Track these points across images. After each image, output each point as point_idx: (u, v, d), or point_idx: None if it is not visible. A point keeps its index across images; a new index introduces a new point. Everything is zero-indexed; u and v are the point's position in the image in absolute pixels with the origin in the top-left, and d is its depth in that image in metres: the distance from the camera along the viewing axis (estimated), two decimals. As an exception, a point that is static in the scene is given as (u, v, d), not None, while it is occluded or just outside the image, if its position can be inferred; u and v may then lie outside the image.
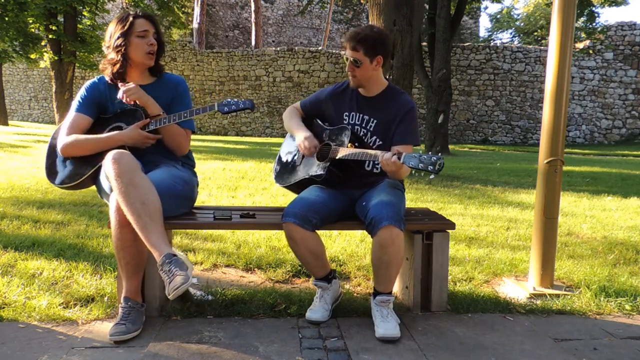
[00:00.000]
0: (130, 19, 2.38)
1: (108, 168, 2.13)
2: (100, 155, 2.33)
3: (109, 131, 2.41)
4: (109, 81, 2.46)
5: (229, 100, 2.41)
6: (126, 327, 2.08)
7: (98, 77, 2.52)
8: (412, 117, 2.48)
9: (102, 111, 2.48)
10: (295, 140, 2.55)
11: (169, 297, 1.93)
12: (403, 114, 2.46)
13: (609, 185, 7.20)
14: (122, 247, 2.14)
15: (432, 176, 2.06)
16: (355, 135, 2.50)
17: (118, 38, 2.36)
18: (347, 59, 2.43)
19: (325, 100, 2.63)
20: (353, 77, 2.47)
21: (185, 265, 1.99)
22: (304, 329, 2.25)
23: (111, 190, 2.18)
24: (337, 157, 2.40)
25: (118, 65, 2.39)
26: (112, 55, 2.40)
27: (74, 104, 2.46)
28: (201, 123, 19.97)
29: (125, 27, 2.36)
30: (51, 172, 2.48)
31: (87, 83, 2.49)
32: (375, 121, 2.50)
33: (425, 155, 2.04)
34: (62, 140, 2.37)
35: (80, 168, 2.39)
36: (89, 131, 2.42)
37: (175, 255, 2.01)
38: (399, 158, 2.10)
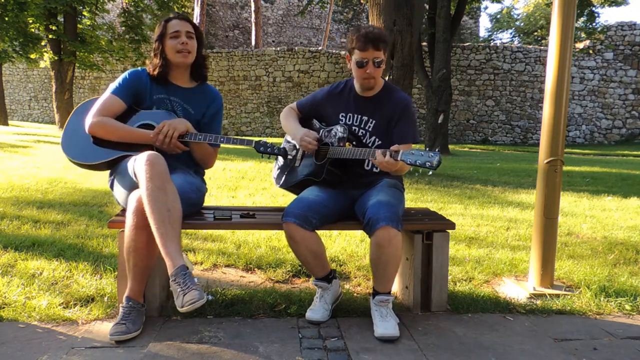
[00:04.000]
0: (163, 22, 2.49)
1: (140, 167, 2.12)
2: (124, 145, 2.34)
3: (140, 126, 2.42)
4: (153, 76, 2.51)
5: (265, 142, 2.45)
6: (126, 327, 2.08)
7: (142, 67, 2.56)
8: (409, 115, 2.46)
9: (137, 102, 2.48)
10: (295, 139, 2.54)
11: (180, 309, 1.93)
12: (400, 113, 2.45)
13: (609, 185, 7.20)
14: (134, 249, 2.12)
15: (430, 172, 2.06)
16: (353, 135, 2.49)
17: (155, 42, 2.48)
18: (363, 62, 2.36)
19: (322, 100, 2.62)
20: (371, 79, 2.41)
21: (193, 276, 1.99)
22: (304, 329, 2.25)
23: (133, 186, 2.18)
24: (335, 157, 2.40)
25: (159, 68, 2.47)
26: (155, 59, 2.49)
27: (112, 85, 2.46)
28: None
29: (160, 31, 2.47)
30: (69, 145, 2.44)
31: (130, 70, 2.52)
32: (374, 122, 2.49)
33: (423, 151, 2.04)
34: (92, 118, 2.35)
35: (100, 151, 2.38)
36: (118, 118, 2.41)
37: (188, 269, 2.01)
38: (391, 156, 2.10)
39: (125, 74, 2.49)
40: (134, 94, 2.46)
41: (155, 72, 2.47)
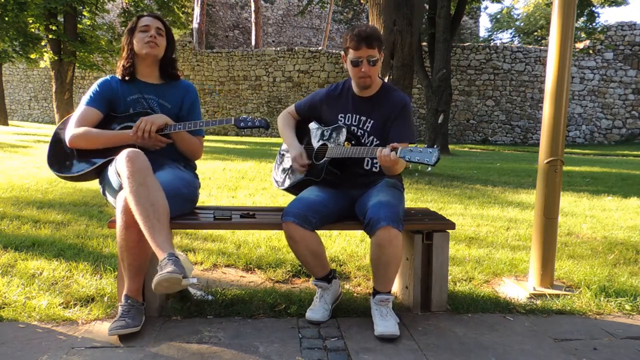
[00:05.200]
0: (135, 18, 2.55)
1: (121, 166, 2.13)
2: (106, 151, 2.35)
3: (120, 130, 2.43)
4: (121, 78, 2.52)
5: (245, 117, 2.46)
6: (126, 322, 2.08)
7: (110, 75, 2.59)
8: (407, 115, 2.46)
9: (112, 108, 2.50)
10: (290, 153, 2.55)
11: (152, 286, 1.91)
12: (397, 112, 2.45)
13: (609, 185, 7.20)
14: (126, 248, 2.13)
15: (429, 169, 2.06)
16: (352, 134, 2.49)
17: (125, 35, 2.51)
18: (358, 60, 2.37)
19: (321, 102, 2.62)
20: (367, 78, 2.41)
21: (182, 266, 1.99)
22: (304, 329, 2.25)
23: (120, 187, 2.19)
24: (335, 157, 2.40)
25: (125, 59, 2.50)
26: (123, 52, 2.53)
27: (85, 98, 2.48)
28: (201, 123, 19.96)
29: (131, 25, 2.52)
30: (53, 162, 2.48)
31: (99, 80, 2.55)
32: (372, 122, 2.49)
33: (422, 148, 2.05)
34: (71, 131, 2.38)
35: (84, 161, 2.41)
36: (97, 127, 2.43)
37: (176, 256, 2.01)
38: (396, 152, 2.10)
39: (95, 85, 2.51)
40: (108, 101, 2.49)
41: (122, 65, 2.50)
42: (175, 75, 2.61)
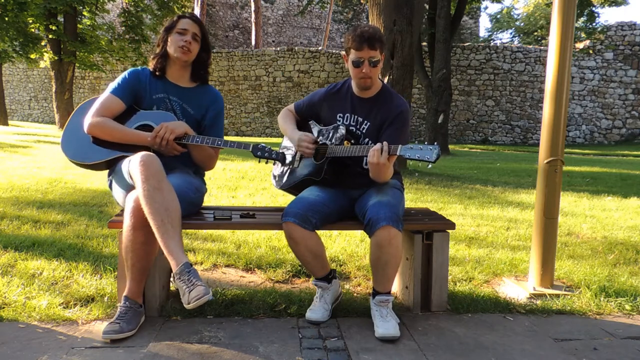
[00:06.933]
0: (175, 17, 2.52)
1: (135, 169, 2.12)
2: (122, 145, 2.35)
3: (138, 127, 2.42)
4: (152, 71, 2.52)
5: (264, 145, 2.45)
6: (120, 327, 2.08)
7: (142, 67, 2.58)
8: (402, 122, 2.44)
9: (137, 102, 2.49)
10: (293, 142, 2.54)
11: (187, 306, 1.94)
12: (393, 118, 2.44)
13: (609, 185, 7.20)
14: (132, 249, 2.12)
15: (429, 166, 2.06)
16: (351, 134, 2.49)
17: (162, 32, 2.51)
18: (359, 61, 2.36)
19: (320, 101, 2.62)
20: (368, 79, 2.40)
21: (200, 277, 2.00)
22: (304, 329, 2.25)
23: (130, 187, 2.18)
24: (334, 155, 2.39)
25: (158, 58, 2.50)
26: (157, 48, 2.52)
27: (112, 85, 2.46)
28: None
29: (169, 24, 2.50)
30: (68, 144, 2.44)
31: (131, 69, 2.54)
32: (368, 123, 2.49)
33: (422, 145, 2.05)
34: (90, 119, 2.36)
35: (98, 151, 2.39)
36: (118, 117, 2.42)
37: (192, 265, 2.02)
38: (390, 151, 2.11)
39: (125, 73, 2.49)
40: (134, 94, 2.46)
41: (155, 61, 2.49)
42: (204, 76, 2.60)
